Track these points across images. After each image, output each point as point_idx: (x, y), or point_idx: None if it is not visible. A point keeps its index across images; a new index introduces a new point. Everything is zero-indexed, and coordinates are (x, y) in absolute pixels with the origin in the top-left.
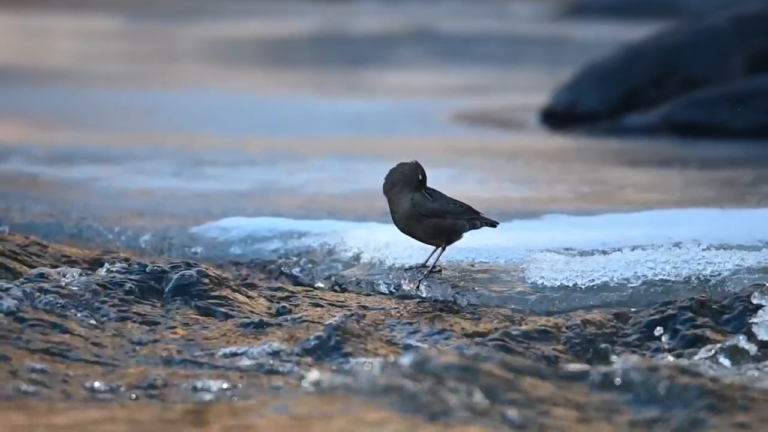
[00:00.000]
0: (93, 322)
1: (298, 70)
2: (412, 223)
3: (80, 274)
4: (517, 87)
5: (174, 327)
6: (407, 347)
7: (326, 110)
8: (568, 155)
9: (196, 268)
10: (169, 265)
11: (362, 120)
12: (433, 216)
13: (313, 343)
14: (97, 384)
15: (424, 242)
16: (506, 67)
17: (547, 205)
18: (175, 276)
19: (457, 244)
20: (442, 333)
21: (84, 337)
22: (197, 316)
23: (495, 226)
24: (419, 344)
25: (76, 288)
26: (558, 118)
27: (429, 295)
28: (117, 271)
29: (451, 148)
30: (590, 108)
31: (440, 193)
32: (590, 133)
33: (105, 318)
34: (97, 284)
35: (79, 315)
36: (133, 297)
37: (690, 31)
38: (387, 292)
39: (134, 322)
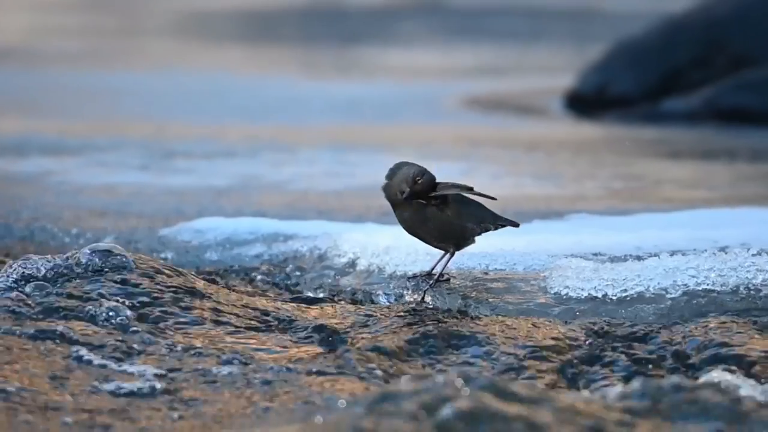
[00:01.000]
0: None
1: (285, 47)
2: (414, 223)
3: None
4: (537, 67)
5: (138, 341)
6: (410, 370)
7: (317, 94)
8: (598, 146)
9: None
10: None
11: (358, 105)
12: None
13: (300, 367)
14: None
15: (430, 245)
16: (525, 45)
17: (573, 203)
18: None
19: (469, 248)
20: (451, 351)
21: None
22: (163, 330)
23: (517, 226)
24: (424, 366)
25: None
26: (585, 103)
27: (436, 308)
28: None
29: (461, 137)
30: (623, 91)
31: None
32: (623, 121)
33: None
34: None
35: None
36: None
37: (738, 3)
38: (387, 303)
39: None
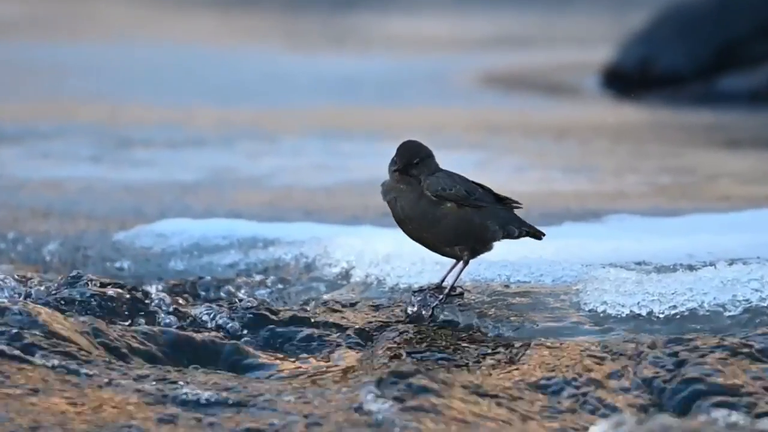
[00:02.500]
0: None
1: (265, 14)
2: (423, 224)
3: None
4: (569, 38)
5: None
6: (417, 414)
7: (303, 70)
8: (641, 132)
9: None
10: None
11: (353, 84)
12: (448, 200)
13: (289, 405)
14: None
15: (439, 253)
16: (554, 10)
17: (612, 202)
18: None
19: (486, 256)
20: (468, 383)
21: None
22: (113, 358)
23: (540, 238)
24: (435, 406)
25: None
26: (626, 80)
27: (447, 328)
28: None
29: (477, 122)
30: (671, 67)
31: (459, 176)
32: (671, 102)
33: None
34: None
35: None
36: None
37: None
38: (388, 323)
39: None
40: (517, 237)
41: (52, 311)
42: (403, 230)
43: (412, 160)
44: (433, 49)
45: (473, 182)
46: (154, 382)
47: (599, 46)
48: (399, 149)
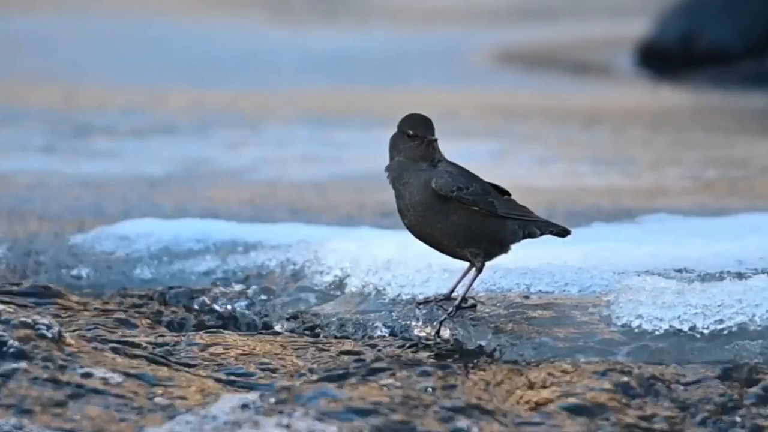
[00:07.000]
0: None
1: None
2: (429, 217)
3: None
4: (599, 9)
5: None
6: None
7: (290, 46)
8: (683, 118)
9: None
10: None
11: (348, 62)
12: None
13: None
14: None
15: (446, 253)
16: None
17: (649, 199)
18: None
19: (502, 261)
20: (478, 415)
21: None
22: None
23: (565, 235)
24: None
25: None
26: (666, 58)
27: (456, 346)
28: None
29: (493, 107)
30: (718, 43)
31: (468, 172)
32: (718, 84)
33: None
34: None
35: None
36: None
37: None
38: (388, 339)
39: None
40: (539, 236)
41: None
42: (405, 224)
43: (434, 134)
44: (442, 22)
45: (484, 181)
46: None
47: (634, 18)
48: (415, 120)
